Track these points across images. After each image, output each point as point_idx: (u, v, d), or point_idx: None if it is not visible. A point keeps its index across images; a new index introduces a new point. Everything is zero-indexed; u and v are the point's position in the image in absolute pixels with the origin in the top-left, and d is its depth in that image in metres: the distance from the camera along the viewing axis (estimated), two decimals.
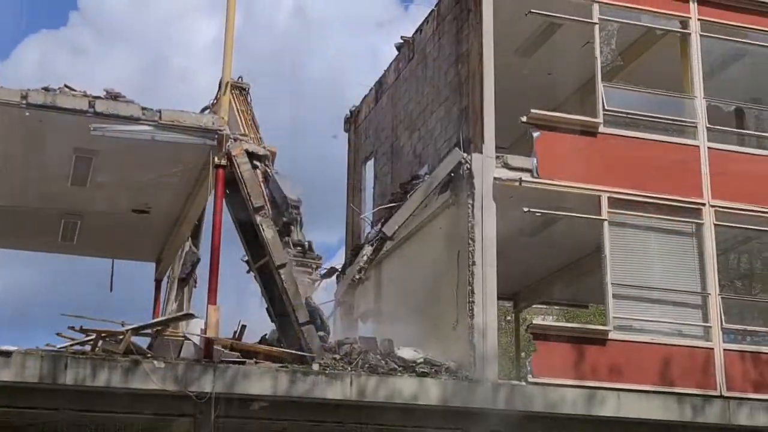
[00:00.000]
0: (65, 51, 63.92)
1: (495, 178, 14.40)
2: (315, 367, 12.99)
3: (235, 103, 14.10)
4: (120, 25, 63.51)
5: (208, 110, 14.58)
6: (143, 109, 13.40)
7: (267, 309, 14.22)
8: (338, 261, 19.56)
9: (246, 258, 14.15)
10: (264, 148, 14.23)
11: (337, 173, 21.02)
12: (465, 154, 14.56)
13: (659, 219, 15.11)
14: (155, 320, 14.38)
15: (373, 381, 13.04)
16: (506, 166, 14.55)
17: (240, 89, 14.52)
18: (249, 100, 14.22)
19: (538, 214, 15.02)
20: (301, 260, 16.34)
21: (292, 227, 14.53)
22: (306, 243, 14.46)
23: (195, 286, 16.94)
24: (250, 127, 14.03)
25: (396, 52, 18.91)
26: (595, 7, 15.52)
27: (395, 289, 17.24)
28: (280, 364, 13.04)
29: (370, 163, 19.68)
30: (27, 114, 13.01)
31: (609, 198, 14.82)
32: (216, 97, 14.79)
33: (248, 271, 14.24)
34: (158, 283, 18.86)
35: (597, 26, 15.51)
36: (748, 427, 14.41)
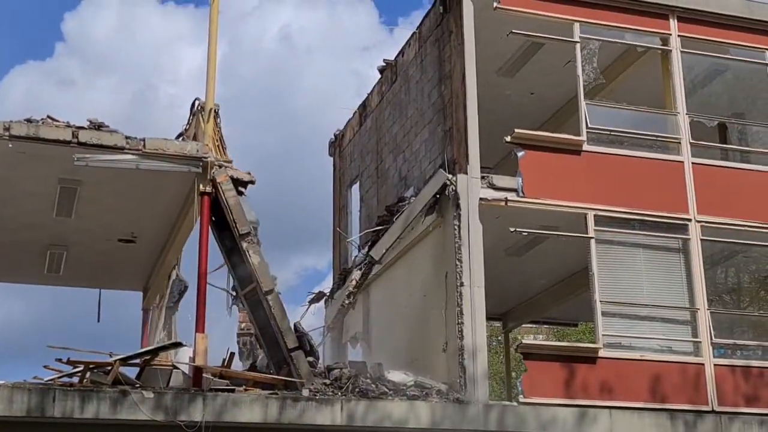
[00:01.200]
0: (52, 82, 64.07)
1: (481, 199, 14.41)
2: (305, 393, 12.92)
3: (203, 125, 14.06)
4: (106, 56, 63.74)
5: (182, 137, 14.56)
6: (127, 138, 13.37)
7: (255, 335, 14.16)
8: (328, 285, 19.52)
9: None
10: (249, 174, 14.21)
11: (326, 197, 21.07)
12: (450, 176, 14.57)
13: (646, 235, 15.13)
14: (143, 350, 14.29)
15: (364, 405, 12.98)
16: (492, 186, 14.56)
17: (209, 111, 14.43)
18: (218, 122, 14.17)
19: (524, 233, 15.03)
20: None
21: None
22: None
23: (176, 310, 16.93)
24: (218, 149, 13.99)
25: (379, 75, 18.96)
26: (576, 26, 15.60)
27: (384, 312, 17.20)
28: (270, 391, 12.97)
29: (356, 187, 19.69)
30: (10, 146, 12.96)
31: (595, 216, 14.84)
32: (188, 122, 14.76)
33: (234, 297, 14.20)
34: (146, 312, 18.78)
35: (578, 45, 15.59)
36: None
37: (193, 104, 14.69)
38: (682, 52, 16.14)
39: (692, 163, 15.64)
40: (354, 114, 20.17)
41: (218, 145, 14.04)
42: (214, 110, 14.10)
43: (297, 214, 54.24)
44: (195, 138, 14.28)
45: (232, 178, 13.75)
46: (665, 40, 16.18)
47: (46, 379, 12.74)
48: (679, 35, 16.15)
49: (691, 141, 15.76)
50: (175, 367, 13.68)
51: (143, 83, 63.39)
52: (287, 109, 61.14)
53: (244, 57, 65.45)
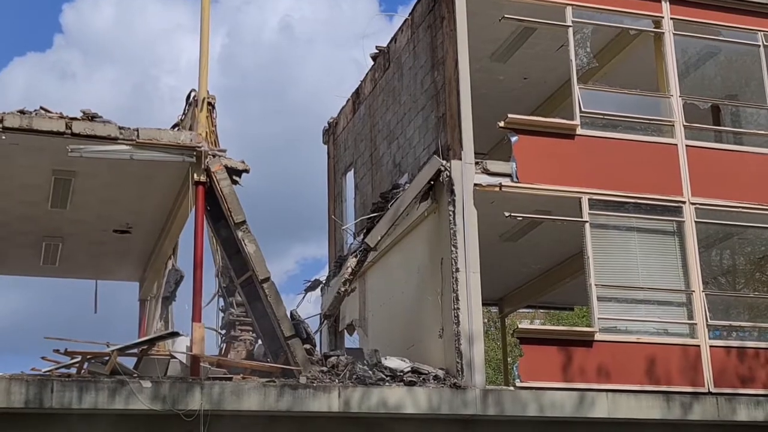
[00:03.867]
0: (52, 74, 63.90)
1: (475, 185, 14.42)
2: (302, 380, 12.96)
3: (198, 115, 14.05)
4: (106, 47, 63.59)
5: (177, 127, 14.54)
6: (120, 128, 13.36)
7: (252, 324, 14.19)
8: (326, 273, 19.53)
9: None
10: (243, 163, 14.20)
11: (324, 186, 21.03)
12: (444, 162, 14.57)
13: (640, 219, 15.16)
14: (141, 339, 14.31)
15: (361, 392, 13.01)
16: (486, 171, 14.57)
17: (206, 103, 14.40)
18: (214, 115, 14.16)
19: (519, 218, 15.04)
20: (243, 320, 16.62)
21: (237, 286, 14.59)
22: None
23: (173, 300, 16.99)
24: (213, 142, 13.98)
25: (369, 61, 18.93)
26: (569, 9, 15.58)
27: (380, 299, 17.23)
28: (268, 379, 13.00)
29: (350, 174, 19.68)
30: (3, 137, 12.94)
31: (589, 199, 14.85)
32: (183, 113, 14.75)
33: (228, 287, 14.25)
34: (143, 302, 18.80)
35: (571, 29, 15.57)
36: (738, 422, 14.45)
37: (188, 95, 14.69)
38: (674, 34, 16.14)
39: (686, 145, 15.65)
40: (347, 101, 20.14)
41: (213, 138, 14.04)
42: (209, 102, 14.09)
43: (297, 204, 54.35)
44: (190, 129, 14.27)
45: (226, 167, 13.75)
46: (658, 23, 16.18)
47: (43, 370, 12.75)
48: (671, 18, 16.14)
49: (685, 123, 15.77)
50: (173, 357, 13.71)
51: (143, 75, 63.30)
52: (288, 99, 61.07)
53: (244, 47, 65.32)
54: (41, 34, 75.35)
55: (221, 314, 17.65)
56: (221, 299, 17.28)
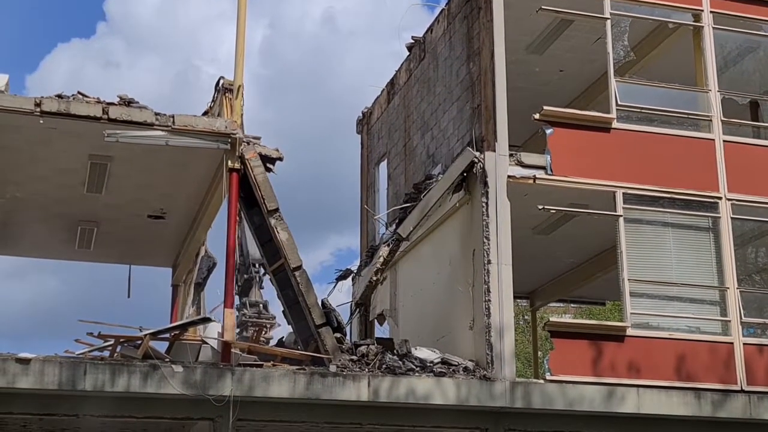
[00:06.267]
0: (96, 62, 64.50)
1: (509, 176, 14.37)
2: (332, 368, 13.00)
3: (227, 105, 14.11)
4: (148, 36, 64.06)
5: (207, 115, 14.60)
6: (156, 114, 13.43)
7: (283, 311, 14.24)
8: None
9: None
10: (277, 151, 14.23)
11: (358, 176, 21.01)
12: (478, 153, 14.54)
13: (675, 214, 15.04)
14: (173, 324, 14.41)
15: (390, 381, 13.04)
16: (520, 163, 14.52)
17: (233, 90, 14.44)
18: (242, 103, 14.15)
19: (552, 211, 14.98)
20: (256, 321, 16.70)
21: (253, 285, 14.62)
22: (262, 303, 14.46)
23: (205, 286, 17.08)
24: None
25: (407, 53, 18.89)
26: (607, 2, 15.46)
27: (411, 290, 17.24)
28: (298, 367, 13.06)
29: (384, 164, 19.69)
30: (41, 121, 13.06)
31: (624, 194, 14.76)
32: (213, 99, 14.80)
33: (264, 274, 14.30)
34: (175, 288, 18.92)
35: (608, 21, 15.46)
36: None
37: (217, 82, 14.74)
38: (714, 28, 15.96)
39: (723, 140, 15.50)
40: (382, 92, 20.13)
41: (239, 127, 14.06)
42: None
43: (334, 195, 54.56)
44: (219, 116, 14.32)
45: (260, 155, 13.80)
46: (697, 17, 16.01)
47: (77, 353, 12.89)
48: (711, 11, 15.97)
49: (723, 118, 15.61)
50: (204, 342, 13.80)
51: (185, 63, 63.71)
52: (327, 92, 61.27)
53: (285, 38, 65.53)
54: (85, 21, 76.13)
55: (236, 313, 17.72)
56: (237, 297, 17.31)
